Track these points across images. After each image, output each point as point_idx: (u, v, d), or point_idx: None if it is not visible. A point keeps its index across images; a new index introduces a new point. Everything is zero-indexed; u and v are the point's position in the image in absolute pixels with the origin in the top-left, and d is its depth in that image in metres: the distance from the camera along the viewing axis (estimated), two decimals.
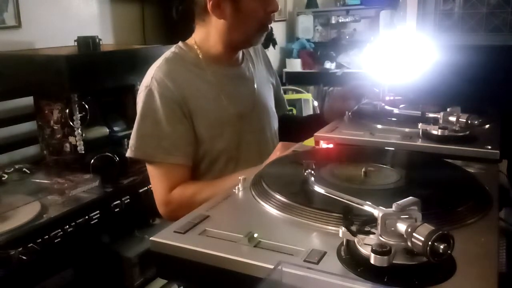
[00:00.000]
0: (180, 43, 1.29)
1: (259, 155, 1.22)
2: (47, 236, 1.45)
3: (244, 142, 1.26)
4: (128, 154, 1.20)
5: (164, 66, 1.21)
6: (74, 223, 1.55)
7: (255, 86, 1.34)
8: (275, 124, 1.39)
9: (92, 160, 1.85)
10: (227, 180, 1.12)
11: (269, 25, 1.24)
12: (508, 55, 1.80)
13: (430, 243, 0.51)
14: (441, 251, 0.51)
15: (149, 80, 1.19)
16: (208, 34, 1.24)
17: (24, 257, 1.35)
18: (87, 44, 1.91)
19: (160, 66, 1.22)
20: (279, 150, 1.09)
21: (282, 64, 4.54)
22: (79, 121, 1.87)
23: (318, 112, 3.57)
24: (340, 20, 4.47)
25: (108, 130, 2.05)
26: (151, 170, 1.21)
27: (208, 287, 0.64)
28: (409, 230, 0.53)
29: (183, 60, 1.24)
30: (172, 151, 1.16)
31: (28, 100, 1.98)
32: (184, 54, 1.25)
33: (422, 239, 0.52)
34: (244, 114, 1.27)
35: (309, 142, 1.28)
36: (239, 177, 0.82)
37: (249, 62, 1.36)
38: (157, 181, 1.19)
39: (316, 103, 3.97)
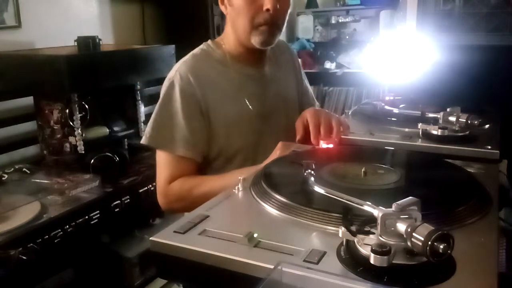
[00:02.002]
0: (209, 41, 1.32)
1: None
2: (47, 236, 1.45)
3: (262, 143, 1.25)
4: (142, 141, 1.23)
5: (190, 62, 1.24)
6: (74, 223, 1.55)
7: (277, 89, 1.34)
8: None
9: (92, 160, 1.85)
10: (226, 177, 1.12)
11: (273, 24, 1.20)
12: (508, 55, 1.80)
13: (430, 243, 0.51)
14: (441, 251, 0.51)
15: (173, 73, 1.22)
16: (227, 30, 1.28)
17: (24, 257, 1.35)
18: (87, 44, 1.92)
19: (186, 61, 1.25)
20: (279, 150, 1.08)
21: None
22: (79, 121, 1.87)
23: None
24: (340, 20, 4.46)
25: (108, 130, 2.05)
26: (160, 158, 1.22)
27: (208, 287, 0.64)
28: (409, 230, 0.53)
29: (209, 57, 1.27)
30: (182, 144, 1.18)
31: (28, 100, 1.99)
32: (211, 52, 1.28)
33: (422, 239, 0.52)
34: (264, 115, 1.27)
35: None
36: (239, 177, 0.82)
37: (274, 65, 1.36)
38: (161, 170, 1.21)
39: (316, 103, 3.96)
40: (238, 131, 1.23)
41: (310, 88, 1.55)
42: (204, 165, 1.24)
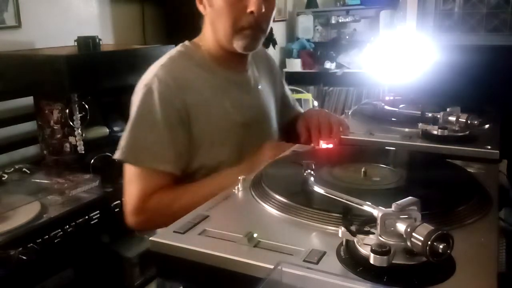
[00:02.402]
0: (186, 42, 1.22)
1: None
2: (47, 236, 1.45)
3: (246, 153, 1.15)
4: (117, 156, 1.10)
5: (169, 65, 1.14)
6: (74, 223, 1.55)
7: (260, 96, 1.26)
8: (276, 138, 1.32)
9: (92, 160, 1.85)
10: (207, 185, 1.04)
11: (257, 28, 1.12)
12: (508, 55, 1.80)
13: (429, 243, 0.51)
14: (440, 251, 0.51)
15: (150, 78, 1.10)
16: (206, 31, 1.19)
17: (24, 257, 1.35)
18: (87, 44, 1.91)
19: (164, 64, 1.14)
20: (268, 150, 1.04)
21: (282, 64, 4.54)
22: (79, 121, 1.87)
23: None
24: (340, 20, 4.47)
25: (108, 130, 2.05)
26: (132, 173, 1.09)
27: (208, 287, 0.64)
28: (409, 230, 0.53)
29: (189, 60, 1.16)
30: (163, 157, 1.07)
31: (28, 100, 1.98)
32: (191, 54, 1.18)
33: (422, 239, 0.52)
34: (248, 123, 1.18)
35: None
36: (239, 177, 0.81)
37: (255, 70, 1.28)
38: (135, 186, 1.08)
39: (316, 103, 3.97)
40: (222, 141, 1.14)
41: (290, 93, 1.50)
42: (183, 179, 1.12)
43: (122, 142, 1.10)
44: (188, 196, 1.03)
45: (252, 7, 1.07)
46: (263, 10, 1.08)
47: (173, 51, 1.19)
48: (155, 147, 1.07)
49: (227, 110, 1.15)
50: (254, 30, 1.11)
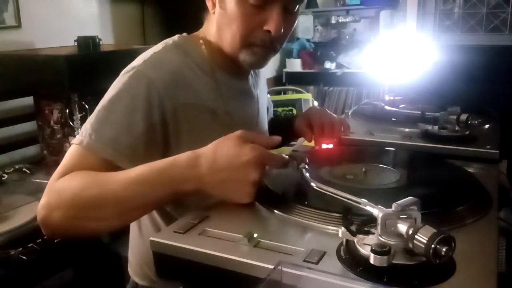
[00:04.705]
0: (184, 34, 1.06)
1: None
2: (47, 236, 1.45)
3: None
4: (74, 141, 0.90)
5: (163, 56, 0.97)
6: None
7: (258, 108, 1.15)
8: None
9: None
10: (131, 180, 0.79)
11: (270, 47, 0.98)
12: (508, 55, 1.80)
13: (433, 246, 0.51)
14: (443, 253, 0.51)
15: (141, 63, 0.94)
16: (209, 29, 1.04)
17: (24, 257, 1.35)
18: (87, 44, 1.92)
19: (158, 52, 0.98)
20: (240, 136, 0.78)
21: (282, 64, 4.53)
22: (79, 121, 1.88)
23: None
24: (340, 20, 4.46)
25: None
26: (74, 151, 0.89)
27: (208, 287, 0.64)
28: (411, 232, 0.53)
29: (185, 55, 1.00)
30: (127, 152, 0.86)
31: (28, 100, 1.99)
32: (187, 49, 1.01)
33: (425, 241, 0.52)
34: None
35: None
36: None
37: (253, 80, 1.17)
38: (61, 164, 0.89)
39: (316, 103, 3.97)
40: None
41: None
42: None
43: (86, 126, 0.91)
44: (101, 186, 0.81)
45: (271, 26, 0.93)
46: (282, 31, 0.94)
47: (168, 40, 1.04)
48: (120, 136, 0.87)
49: (226, 121, 1.00)
50: (266, 49, 0.98)
